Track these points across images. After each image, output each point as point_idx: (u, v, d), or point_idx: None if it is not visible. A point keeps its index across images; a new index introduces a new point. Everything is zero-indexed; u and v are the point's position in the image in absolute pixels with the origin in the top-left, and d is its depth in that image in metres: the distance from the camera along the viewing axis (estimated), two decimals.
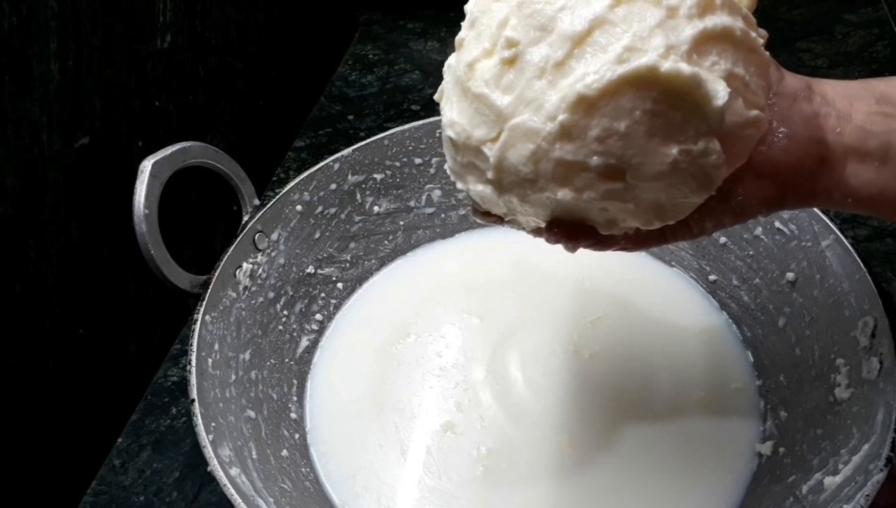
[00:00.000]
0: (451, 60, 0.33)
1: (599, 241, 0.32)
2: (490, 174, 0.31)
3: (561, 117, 0.28)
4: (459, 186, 0.34)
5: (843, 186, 0.31)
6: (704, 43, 0.28)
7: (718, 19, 0.28)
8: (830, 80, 0.32)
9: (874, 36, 0.86)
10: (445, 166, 0.35)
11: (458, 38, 0.33)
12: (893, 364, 0.38)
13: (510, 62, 0.29)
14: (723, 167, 0.29)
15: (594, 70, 0.27)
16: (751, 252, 0.52)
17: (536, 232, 0.35)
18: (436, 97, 0.34)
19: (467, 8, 0.33)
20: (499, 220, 0.35)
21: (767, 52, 0.30)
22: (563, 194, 0.29)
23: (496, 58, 0.30)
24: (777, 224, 0.49)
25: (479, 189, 0.32)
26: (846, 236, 0.44)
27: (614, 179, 0.29)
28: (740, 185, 0.31)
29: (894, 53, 0.83)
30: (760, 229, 0.51)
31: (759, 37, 0.30)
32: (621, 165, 0.28)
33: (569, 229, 0.32)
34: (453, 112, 0.32)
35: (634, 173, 0.29)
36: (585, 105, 0.28)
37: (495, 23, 0.30)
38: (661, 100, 0.27)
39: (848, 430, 0.38)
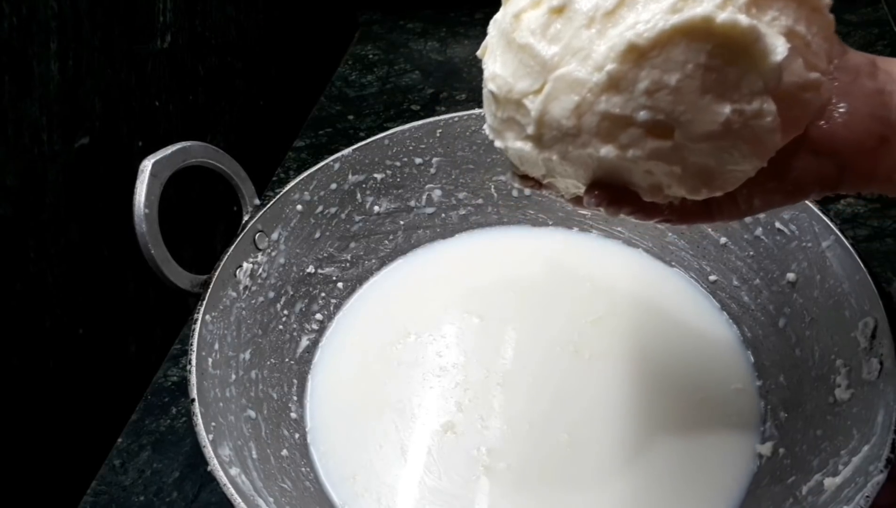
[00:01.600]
0: (498, 15, 0.32)
1: (642, 208, 0.31)
2: (530, 129, 0.30)
3: (609, 67, 0.27)
4: (498, 144, 0.33)
5: None
6: None
7: None
8: (894, 58, 0.31)
9: (874, 36, 0.86)
10: (484, 127, 0.34)
11: None
12: (893, 365, 0.38)
13: (558, 11, 0.28)
14: (777, 132, 0.28)
15: (646, 19, 0.26)
16: (751, 253, 0.52)
17: (575, 201, 0.34)
18: (478, 53, 0.33)
19: None
20: (537, 184, 0.34)
21: (832, 15, 0.29)
22: (607, 151, 0.28)
23: (544, 7, 0.29)
24: (777, 225, 0.49)
25: (517, 146, 0.31)
26: (846, 236, 0.44)
27: (662, 137, 0.28)
28: (795, 161, 0.29)
29: (894, 53, 0.83)
30: (761, 229, 0.51)
31: None
32: (670, 121, 0.27)
33: (610, 193, 0.30)
34: (496, 65, 0.31)
35: (683, 131, 0.27)
36: (635, 55, 0.26)
37: None
38: (716, 53, 0.26)
39: (848, 431, 0.38)
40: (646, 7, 0.27)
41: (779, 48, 0.26)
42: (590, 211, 0.32)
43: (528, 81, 0.29)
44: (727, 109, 0.27)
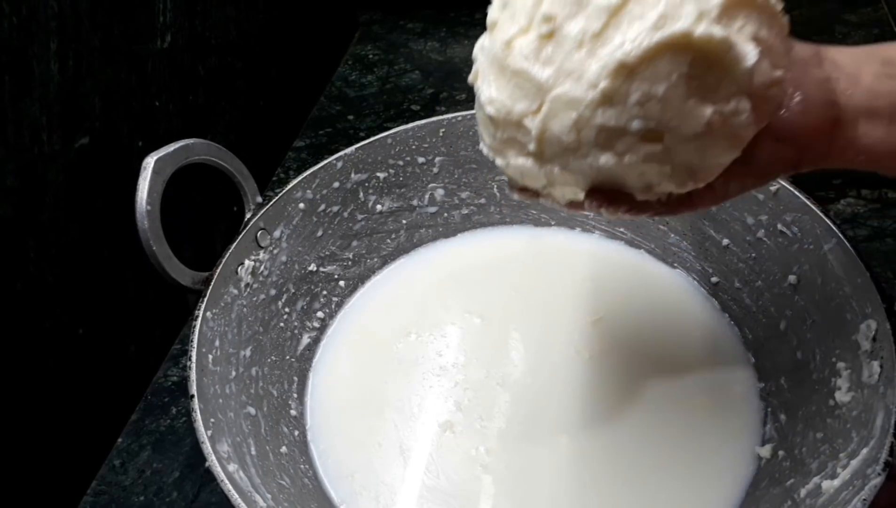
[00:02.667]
0: (485, 42, 0.34)
1: (636, 206, 0.34)
2: (532, 146, 0.32)
3: (602, 85, 0.29)
4: (498, 162, 0.35)
5: (856, 145, 0.33)
6: (731, 8, 0.29)
7: None
8: (837, 46, 0.34)
9: (874, 36, 0.86)
10: (480, 146, 0.36)
11: (490, 19, 0.34)
12: (894, 368, 0.38)
13: (548, 37, 0.30)
14: (752, 126, 0.30)
15: (632, 38, 0.29)
16: (753, 254, 0.52)
17: (571, 205, 0.36)
18: (470, 79, 0.35)
19: None
20: (534, 195, 0.36)
21: (786, 17, 0.32)
22: (606, 160, 0.30)
23: (533, 34, 0.31)
24: (780, 226, 0.49)
25: (519, 162, 0.33)
26: (846, 237, 0.44)
27: (653, 141, 0.30)
28: (761, 148, 0.32)
29: None
30: (763, 231, 0.51)
31: (777, 2, 0.31)
32: (660, 127, 0.30)
33: (608, 196, 0.33)
34: (491, 90, 0.33)
35: (672, 135, 0.30)
36: (625, 71, 0.29)
37: (530, 1, 0.31)
38: (696, 63, 0.29)
39: (847, 434, 0.38)
40: (630, 27, 0.29)
41: (749, 54, 0.29)
42: (589, 213, 0.36)
43: (526, 103, 0.31)
44: (709, 110, 0.29)
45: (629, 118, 0.29)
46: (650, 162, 0.31)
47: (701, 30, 0.28)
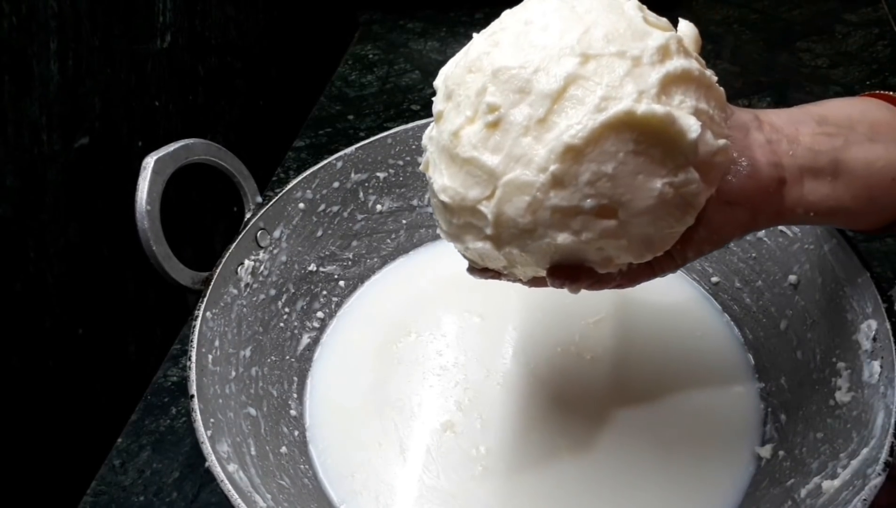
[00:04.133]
0: (432, 133, 0.35)
1: (598, 280, 0.34)
2: (489, 230, 0.32)
3: (552, 168, 0.30)
4: (457, 247, 0.36)
5: (804, 203, 0.34)
6: (669, 85, 0.31)
7: (677, 63, 0.31)
8: (771, 109, 0.35)
9: (874, 36, 0.86)
10: (438, 231, 0.36)
11: (435, 110, 0.35)
12: (894, 368, 0.38)
13: (494, 125, 0.31)
14: (702, 194, 0.32)
15: (576, 121, 0.30)
16: (753, 254, 0.52)
17: (533, 282, 0.37)
18: (421, 168, 0.36)
19: (437, 83, 0.35)
20: (496, 275, 0.37)
21: (721, 88, 0.33)
22: (563, 238, 0.31)
23: (479, 123, 0.32)
24: (780, 226, 0.49)
25: (478, 246, 0.34)
26: (846, 236, 0.44)
27: (608, 217, 0.31)
28: (714, 213, 0.33)
29: (894, 53, 0.83)
30: (763, 231, 0.51)
31: (712, 74, 0.33)
32: (613, 204, 0.30)
33: (570, 272, 0.33)
34: (444, 178, 0.33)
35: (626, 210, 0.31)
36: (573, 154, 0.30)
37: (473, 92, 0.32)
38: (641, 140, 0.30)
39: (847, 434, 0.38)
40: (574, 110, 0.30)
41: (692, 126, 0.30)
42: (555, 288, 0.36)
43: (479, 190, 0.32)
44: (658, 184, 0.30)
45: (582, 197, 0.30)
46: (607, 237, 0.31)
47: (643, 108, 0.29)
